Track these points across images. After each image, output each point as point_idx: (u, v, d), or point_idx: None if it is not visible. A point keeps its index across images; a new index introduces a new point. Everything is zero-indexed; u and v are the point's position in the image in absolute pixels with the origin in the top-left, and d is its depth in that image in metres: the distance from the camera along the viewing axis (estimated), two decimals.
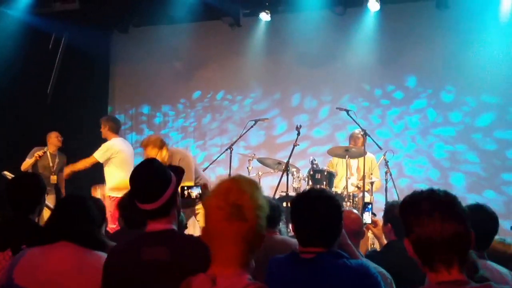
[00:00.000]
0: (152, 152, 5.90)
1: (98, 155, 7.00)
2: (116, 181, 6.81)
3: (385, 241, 3.92)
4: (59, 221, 2.69)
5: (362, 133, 7.07)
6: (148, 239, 2.35)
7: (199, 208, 5.86)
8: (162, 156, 5.92)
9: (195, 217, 6.05)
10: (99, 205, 3.25)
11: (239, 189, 1.74)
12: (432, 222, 1.75)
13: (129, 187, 2.45)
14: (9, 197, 3.28)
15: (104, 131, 7.25)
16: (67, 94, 9.50)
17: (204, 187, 2.68)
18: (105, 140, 7.20)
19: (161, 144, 6.00)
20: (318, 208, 2.31)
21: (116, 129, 7.28)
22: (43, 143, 7.89)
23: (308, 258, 2.28)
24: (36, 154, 7.51)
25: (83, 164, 7.03)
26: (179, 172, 2.49)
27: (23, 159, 7.74)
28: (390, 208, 3.71)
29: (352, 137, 7.34)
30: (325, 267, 2.25)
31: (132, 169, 6.99)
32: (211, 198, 1.77)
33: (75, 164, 7.10)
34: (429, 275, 1.77)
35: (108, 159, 6.98)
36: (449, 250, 1.73)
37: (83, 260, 2.59)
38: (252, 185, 1.79)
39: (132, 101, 10.16)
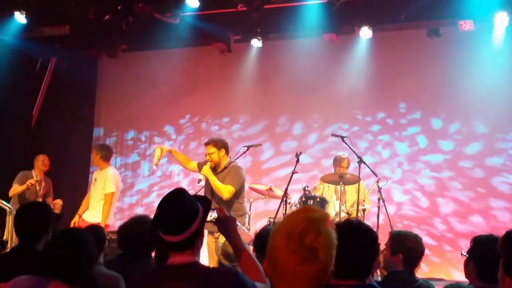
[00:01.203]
0: (211, 150, 6.08)
1: (114, 188, 7.08)
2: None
3: (383, 270, 3.84)
4: (53, 256, 2.63)
5: (346, 154, 7.11)
6: (171, 273, 2.27)
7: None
8: (219, 156, 6.08)
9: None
10: (99, 234, 3.18)
11: (315, 230, 1.61)
12: None
13: None
14: (16, 227, 3.25)
15: (96, 159, 7.31)
16: (53, 117, 9.45)
17: (219, 211, 2.59)
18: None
19: (221, 145, 6.14)
20: (359, 240, 2.26)
21: (108, 158, 7.36)
22: (28, 167, 7.77)
23: None
24: (28, 183, 7.37)
25: (107, 208, 7.02)
26: (206, 202, 2.45)
27: (7, 183, 7.62)
28: (401, 239, 3.61)
29: (337, 160, 7.31)
30: None
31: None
32: (281, 238, 1.63)
33: (103, 215, 6.99)
34: None
35: None
36: None
37: None
38: (327, 222, 1.66)
39: (119, 125, 10.06)
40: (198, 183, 6.18)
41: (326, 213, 1.72)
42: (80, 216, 7.26)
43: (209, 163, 6.09)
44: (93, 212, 7.10)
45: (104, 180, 7.11)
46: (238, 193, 6.08)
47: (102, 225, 6.72)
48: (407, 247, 3.54)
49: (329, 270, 1.65)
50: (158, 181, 9.70)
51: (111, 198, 7.04)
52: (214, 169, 6.11)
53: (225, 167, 6.11)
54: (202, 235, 2.37)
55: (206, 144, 6.21)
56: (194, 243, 2.31)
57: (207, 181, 6.13)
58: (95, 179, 7.31)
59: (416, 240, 3.58)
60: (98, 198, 7.10)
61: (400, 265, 3.56)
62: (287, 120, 9.16)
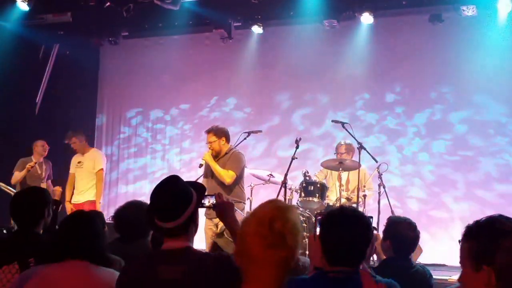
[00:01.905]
0: (212, 138, 6.15)
1: (104, 166, 7.63)
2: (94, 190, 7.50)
3: (384, 257, 3.86)
4: (68, 239, 2.68)
5: (346, 142, 7.17)
6: (165, 257, 2.32)
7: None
8: (220, 144, 6.15)
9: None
10: (101, 219, 3.25)
11: (283, 217, 1.76)
12: None
13: None
14: (13, 212, 3.28)
15: (83, 144, 7.66)
16: (56, 104, 9.51)
17: (218, 196, 2.64)
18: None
19: (221, 133, 6.20)
20: (353, 227, 2.29)
21: (88, 140, 7.90)
22: (31, 154, 7.83)
23: (339, 277, 2.25)
24: (28, 166, 7.48)
25: (101, 184, 7.59)
26: (200, 189, 2.49)
27: (10, 169, 7.68)
28: (392, 225, 3.64)
29: (336, 147, 7.36)
30: (358, 286, 2.24)
31: None
32: (252, 224, 1.76)
33: (98, 191, 7.52)
34: None
35: None
36: None
37: (94, 277, 2.58)
38: (294, 212, 1.81)
39: (121, 112, 10.11)
40: (200, 167, 6.29)
41: (294, 206, 1.88)
42: (70, 202, 7.52)
43: (210, 150, 6.19)
44: (83, 192, 7.48)
45: (93, 160, 7.56)
46: (239, 178, 6.16)
47: (98, 201, 7.39)
48: (396, 234, 3.55)
49: (295, 256, 1.78)
50: (160, 167, 9.76)
51: (102, 174, 7.57)
52: (215, 157, 6.19)
53: (226, 153, 6.18)
54: (196, 221, 2.41)
55: (207, 132, 6.27)
56: (188, 229, 2.35)
57: (207, 165, 6.21)
58: (80, 162, 7.62)
59: (407, 227, 3.58)
60: (88, 178, 7.50)
61: (391, 251, 3.58)
62: (288, 106, 9.17)
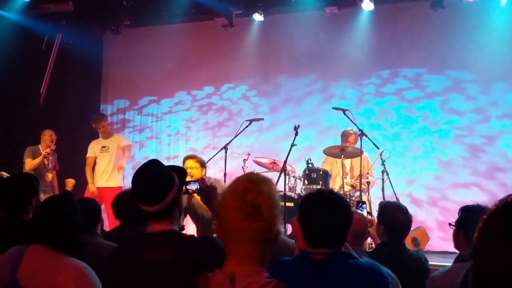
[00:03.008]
0: (194, 165, 5.84)
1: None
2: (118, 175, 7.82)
3: (379, 242, 3.91)
4: (37, 223, 2.66)
5: (354, 129, 7.12)
6: (150, 240, 2.34)
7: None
8: (201, 174, 5.83)
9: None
10: (94, 206, 3.26)
11: (256, 189, 1.78)
12: None
13: None
14: (0, 198, 3.30)
15: (109, 128, 8.00)
16: (60, 95, 9.53)
17: (201, 182, 2.67)
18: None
19: (204, 164, 5.95)
20: (331, 209, 2.30)
21: None
22: (36, 143, 7.86)
23: (320, 259, 2.28)
24: (44, 152, 7.47)
25: (129, 154, 8.04)
26: (182, 173, 2.49)
27: (16, 159, 7.70)
28: (384, 209, 3.68)
29: (344, 135, 7.37)
30: (339, 268, 2.26)
31: None
32: (228, 197, 1.80)
33: (126, 158, 7.90)
34: None
35: None
36: None
37: (53, 266, 2.54)
38: (269, 184, 1.83)
39: (125, 100, 10.15)
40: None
41: (268, 178, 1.90)
42: (93, 184, 7.71)
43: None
44: (111, 177, 7.74)
45: (118, 140, 7.92)
46: None
47: (125, 164, 7.87)
48: (388, 218, 3.58)
49: (273, 228, 1.80)
50: (167, 156, 9.79)
51: (131, 147, 8.15)
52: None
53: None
54: (180, 205, 2.42)
55: (191, 157, 5.98)
56: (171, 213, 2.36)
57: (192, 209, 5.79)
58: (104, 146, 7.82)
59: (397, 211, 3.60)
60: (114, 160, 7.77)
61: (385, 236, 3.62)
62: (290, 94, 9.17)
